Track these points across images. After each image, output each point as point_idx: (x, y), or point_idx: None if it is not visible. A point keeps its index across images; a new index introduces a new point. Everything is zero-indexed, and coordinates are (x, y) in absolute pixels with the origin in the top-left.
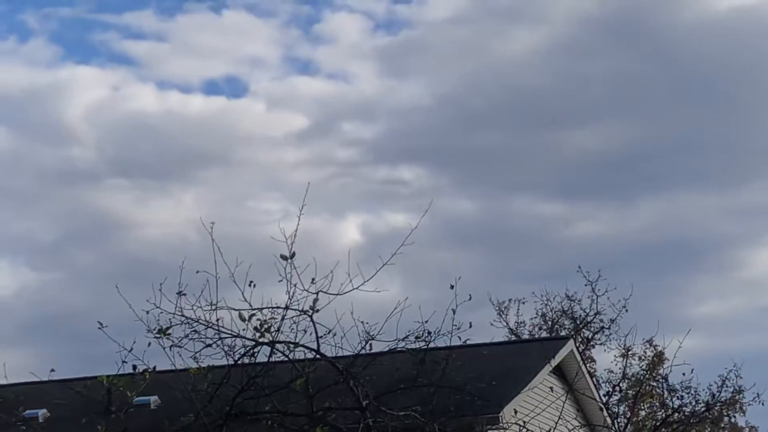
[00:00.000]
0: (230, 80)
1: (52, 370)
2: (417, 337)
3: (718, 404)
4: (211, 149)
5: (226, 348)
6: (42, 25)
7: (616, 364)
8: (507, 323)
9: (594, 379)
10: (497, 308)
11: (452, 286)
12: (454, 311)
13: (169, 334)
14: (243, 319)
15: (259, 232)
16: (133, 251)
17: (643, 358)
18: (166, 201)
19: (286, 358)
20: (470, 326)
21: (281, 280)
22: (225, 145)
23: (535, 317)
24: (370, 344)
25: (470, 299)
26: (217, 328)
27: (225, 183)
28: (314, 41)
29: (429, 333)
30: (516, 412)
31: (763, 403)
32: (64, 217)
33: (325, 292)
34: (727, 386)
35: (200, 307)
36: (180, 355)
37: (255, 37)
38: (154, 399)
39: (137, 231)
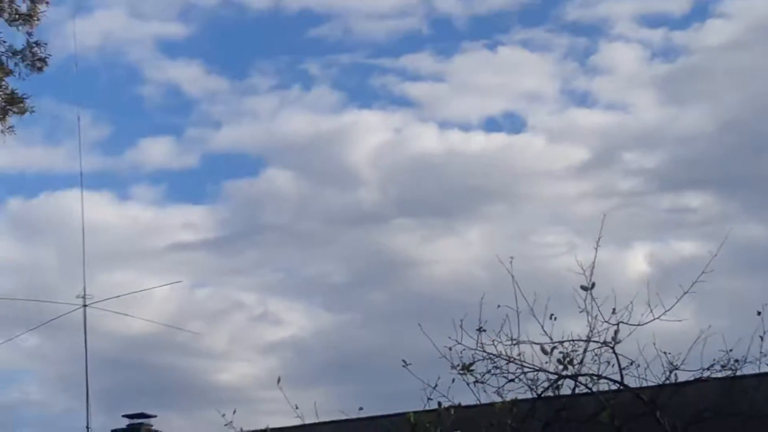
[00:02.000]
0: (509, 116)
1: (361, 408)
2: (723, 366)
3: None
4: (493, 185)
5: (528, 382)
6: (324, 73)
7: None
8: None
9: None
10: None
11: (759, 313)
12: (761, 338)
13: (473, 370)
14: (545, 353)
15: (545, 266)
16: (422, 289)
17: None
18: (453, 238)
19: (590, 391)
20: None
21: (582, 311)
22: (507, 181)
23: None
24: (675, 374)
25: None
26: (519, 362)
27: (509, 218)
28: (591, 73)
29: (736, 361)
30: None
31: None
32: (355, 259)
33: (626, 323)
34: None
35: (500, 342)
36: (484, 390)
37: (531, 72)
38: None
39: (425, 269)
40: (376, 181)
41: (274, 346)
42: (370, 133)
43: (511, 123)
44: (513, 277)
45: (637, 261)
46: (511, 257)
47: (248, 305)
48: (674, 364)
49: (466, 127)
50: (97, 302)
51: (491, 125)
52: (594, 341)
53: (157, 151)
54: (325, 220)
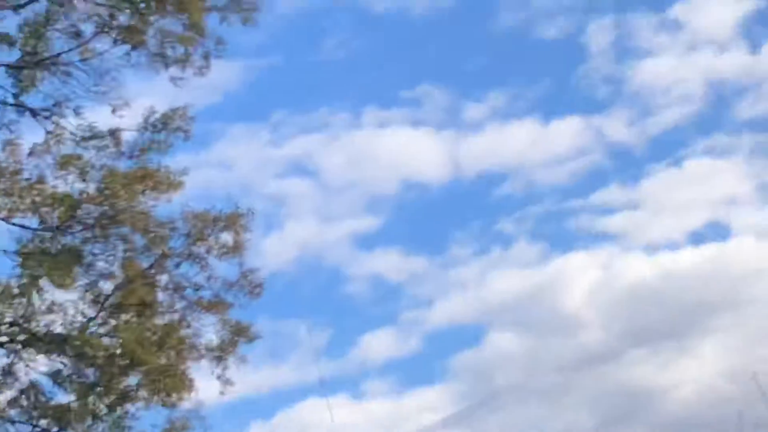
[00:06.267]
0: (712, 226)
1: None
2: None
3: None
4: (714, 297)
5: None
6: (519, 228)
7: None
8: None
9: None
10: None
11: None
12: None
13: None
14: None
15: None
16: (673, 416)
17: None
18: (687, 359)
19: None
20: None
21: None
22: (727, 289)
23: None
24: None
25: None
26: None
27: (738, 326)
28: None
29: None
30: None
31: None
32: (597, 401)
33: None
34: None
35: None
36: None
37: (723, 178)
38: None
39: (670, 394)
40: (597, 320)
41: None
42: (579, 275)
43: (716, 232)
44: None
45: None
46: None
47: None
48: None
49: (672, 247)
50: None
51: (697, 238)
52: None
53: (379, 343)
54: (558, 369)
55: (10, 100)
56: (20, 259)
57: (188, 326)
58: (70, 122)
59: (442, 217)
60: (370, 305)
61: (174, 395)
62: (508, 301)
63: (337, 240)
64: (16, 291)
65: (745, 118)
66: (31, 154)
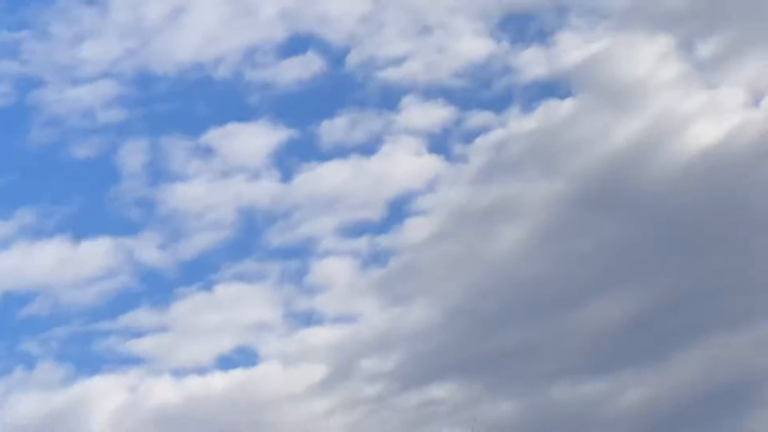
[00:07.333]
0: (240, 350)
1: None
2: None
3: None
4: (241, 421)
5: None
6: (44, 349)
7: None
8: None
9: None
10: None
11: None
12: None
13: None
14: None
15: None
16: None
17: None
18: None
19: None
20: None
21: None
22: (253, 414)
23: None
24: None
25: None
26: None
27: None
28: (310, 292)
29: None
30: None
31: None
32: None
33: None
34: None
35: None
36: None
37: (252, 303)
38: None
39: None
40: None
41: None
42: (104, 398)
43: (244, 357)
44: None
45: None
46: None
47: None
48: None
49: (201, 371)
50: None
51: (225, 363)
52: None
53: None
54: None
55: None
56: None
57: None
58: None
59: None
60: None
61: None
62: (28, 424)
63: None
64: None
65: (275, 246)
66: None
